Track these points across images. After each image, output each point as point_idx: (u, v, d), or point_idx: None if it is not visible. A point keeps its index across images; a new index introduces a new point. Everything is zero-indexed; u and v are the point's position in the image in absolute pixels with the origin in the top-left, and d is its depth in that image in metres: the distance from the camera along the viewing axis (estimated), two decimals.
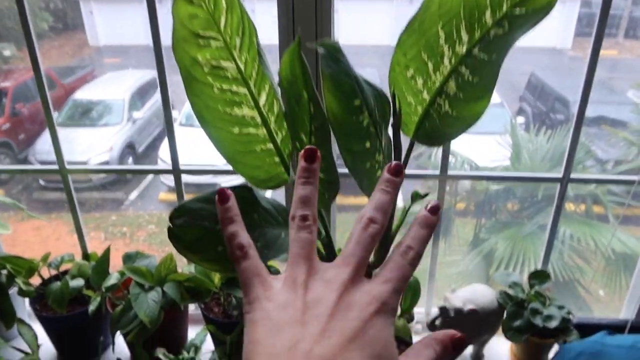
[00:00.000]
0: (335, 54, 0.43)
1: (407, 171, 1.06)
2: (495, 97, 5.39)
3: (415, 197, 0.68)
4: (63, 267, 1.28)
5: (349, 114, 0.45)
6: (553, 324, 1.09)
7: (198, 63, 0.59)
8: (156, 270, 1.17)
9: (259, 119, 0.62)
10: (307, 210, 0.35)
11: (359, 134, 0.47)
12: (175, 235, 0.58)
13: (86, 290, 1.22)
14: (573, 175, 1.18)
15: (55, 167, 1.24)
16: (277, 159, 0.65)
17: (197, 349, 1.14)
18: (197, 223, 0.59)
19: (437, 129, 0.58)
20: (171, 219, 0.58)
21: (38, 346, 1.11)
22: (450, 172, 1.19)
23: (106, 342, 1.30)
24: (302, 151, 0.37)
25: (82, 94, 6.02)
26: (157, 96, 5.76)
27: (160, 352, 1.05)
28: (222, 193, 0.39)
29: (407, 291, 1.22)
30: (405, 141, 0.59)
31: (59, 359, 1.28)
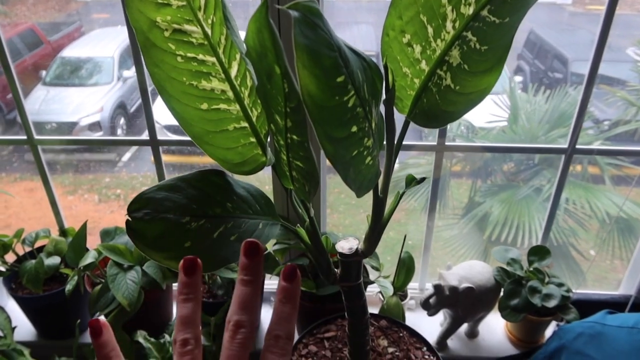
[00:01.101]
0: (312, 18, 0.35)
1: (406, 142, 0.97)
2: None
3: (410, 181, 0.60)
4: (39, 244, 1.21)
5: (329, 95, 0.37)
6: (552, 303, 1.04)
7: (157, 26, 0.50)
8: (135, 248, 1.10)
9: (230, 94, 0.54)
10: (188, 332, 0.33)
11: (342, 118, 0.39)
12: (134, 231, 0.51)
13: (63, 268, 1.16)
14: (578, 146, 1.11)
15: (24, 137, 1.15)
16: (252, 139, 0.57)
17: None
18: (161, 216, 0.52)
19: (437, 106, 0.50)
20: (129, 211, 0.51)
21: (12, 329, 1.05)
22: (447, 144, 1.11)
23: (87, 322, 1.25)
24: (181, 262, 0.35)
25: (70, 52, 5.80)
26: None
27: (140, 336, 1.00)
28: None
29: (400, 268, 1.17)
30: (399, 121, 0.51)
31: (38, 337, 1.22)
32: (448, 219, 3.93)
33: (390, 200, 0.64)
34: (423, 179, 0.59)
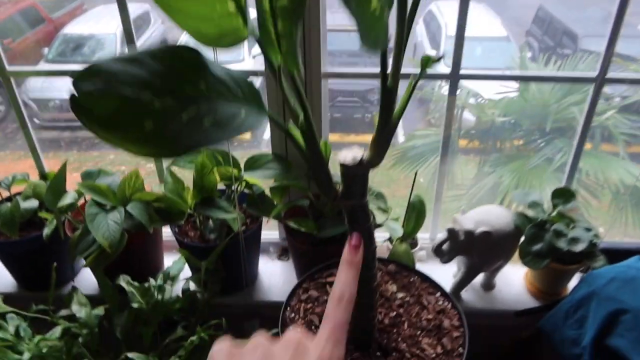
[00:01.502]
0: None
1: (413, 71, 0.86)
2: (501, 30, 5.05)
3: (426, 62, 0.49)
4: (18, 189, 1.11)
5: None
6: (579, 247, 0.94)
7: None
8: (119, 188, 1.00)
9: None
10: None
11: None
12: (81, 108, 0.40)
13: (42, 212, 1.07)
14: (608, 75, 0.99)
15: None
16: (231, 7, 0.46)
17: (169, 277, 0.99)
18: (115, 90, 0.41)
19: None
20: (75, 83, 0.40)
21: None
22: (447, 68, 1.00)
23: (73, 270, 1.16)
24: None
25: (73, 29, 5.71)
26: (151, 30, 5.46)
27: (123, 280, 0.91)
28: None
29: (410, 212, 1.06)
30: None
31: (18, 289, 1.14)
32: (456, 189, 3.81)
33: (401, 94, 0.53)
34: (441, 58, 0.48)
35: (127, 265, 1.00)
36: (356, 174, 0.58)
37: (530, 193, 1.05)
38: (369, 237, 0.65)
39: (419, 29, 4.91)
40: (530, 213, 1.04)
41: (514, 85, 3.78)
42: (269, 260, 1.20)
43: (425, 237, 1.22)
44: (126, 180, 1.01)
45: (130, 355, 0.84)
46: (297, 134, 0.53)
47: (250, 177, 1.03)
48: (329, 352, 0.36)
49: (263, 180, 1.05)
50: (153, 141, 0.41)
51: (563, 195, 1.02)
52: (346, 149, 0.58)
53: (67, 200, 0.99)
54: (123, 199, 1.00)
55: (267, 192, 1.06)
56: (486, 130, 4.00)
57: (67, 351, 0.85)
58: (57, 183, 1.04)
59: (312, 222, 0.98)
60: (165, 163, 1.06)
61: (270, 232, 1.25)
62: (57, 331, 0.85)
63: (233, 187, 1.00)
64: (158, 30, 5.78)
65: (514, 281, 1.14)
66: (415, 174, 1.03)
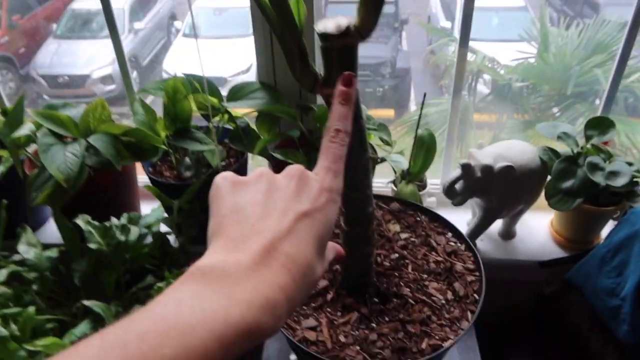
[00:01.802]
0: None
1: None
2: (519, 0, 4.79)
3: None
4: None
5: None
6: (620, 181, 0.79)
7: None
8: (81, 119, 0.87)
9: None
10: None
11: None
12: None
13: (1, 150, 0.94)
14: None
15: None
16: None
17: (144, 224, 0.86)
18: None
19: None
20: None
21: None
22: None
23: (38, 219, 1.04)
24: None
25: (81, 4, 5.61)
26: (159, 5, 5.31)
27: (82, 219, 0.78)
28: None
29: (418, 148, 0.92)
30: None
31: None
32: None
33: None
34: None
35: (95, 211, 0.87)
36: (342, 47, 0.43)
37: (560, 125, 0.90)
38: (360, 144, 0.51)
39: (432, 0, 4.68)
40: (560, 148, 0.89)
41: (532, 50, 3.57)
42: None
43: (436, 182, 1.08)
44: (90, 111, 0.88)
45: (87, 303, 0.72)
46: None
47: (234, 107, 0.89)
48: (329, 182, 0.36)
49: (249, 115, 0.91)
50: None
51: (599, 125, 0.86)
52: (328, 18, 0.44)
53: (22, 131, 0.86)
54: (86, 131, 0.87)
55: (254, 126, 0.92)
56: (503, 96, 3.80)
57: (16, 298, 0.73)
58: (15, 115, 0.91)
59: (301, 155, 0.84)
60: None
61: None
62: (2, 274, 0.73)
63: (211, 117, 0.86)
64: (167, 5, 5.65)
65: (538, 229, 0.99)
66: (424, 94, 0.88)
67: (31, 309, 0.68)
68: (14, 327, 0.67)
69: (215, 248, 0.31)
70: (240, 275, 0.29)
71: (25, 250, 0.76)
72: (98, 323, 0.73)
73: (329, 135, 0.38)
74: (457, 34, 0.92)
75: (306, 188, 0.34)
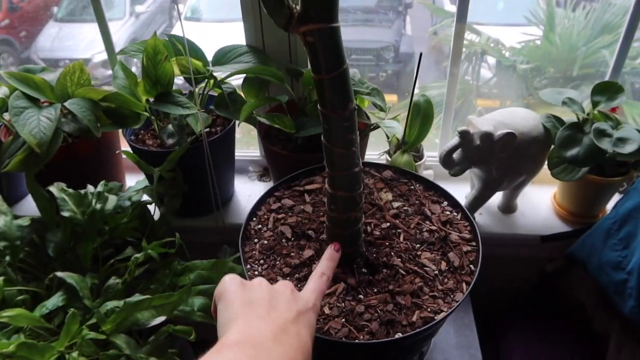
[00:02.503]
0: None
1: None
2: None
3: None
4: None
5: None
6: (628, 148, 0.74)
7: None
8: (58, 82, 0.83)
9: None
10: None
11: None
12: None
13: None
14: None
15: None
16: None
17: (125, 196, 0.82)
18: None
19: None
20: None
21: None
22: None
23: (20, 189, 1.00)
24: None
25: None
26: None
27: (56, 187, 0.74)
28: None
29: (413, 115, 0.87)
30: None
31: None
32: None
33: None
34: None
35: (75, 182, 0.82)
36: None
37: (565, 91, 0.85)
38: (343, 92, 0.46)
39: None
40: (565, 117, 0.84)
41: (538, 33, 3.48)
42: (248, 180, 1.03)
43: (433, 155, 1.03)
44: (67, 74, 0.83)
45: (60, 274, 0.68)
46: None
47: (220, 71, 0.84)
48: (314, 299, 0.48)
49: (235, 78, 0.86)
50: None
51: (607, 89, 0.81)
52: None
53: None
54: (63, 95, 0.83)
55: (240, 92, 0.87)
56: (507, 79, 3.73)
57: None
58: None
59: (289, 120, 0.79)
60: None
61: (250, 150, 1.07)
62: None
63: (194, 81, 0.81)
64: None
65: (540, 203, 0.94)
66: (421, 54, 0.83)
67: (0, 279, 0.64)
68: None
69: (238, 329, 0.40)
70: (268, 346, 0.38)
71: None
72: (72, 295, 0.69)
73: (317, 275, 0.51)
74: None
75: (299, 296, 0.47)
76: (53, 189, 0.73)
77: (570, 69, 3.60)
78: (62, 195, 0.72)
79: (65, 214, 0.71)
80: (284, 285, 0.47)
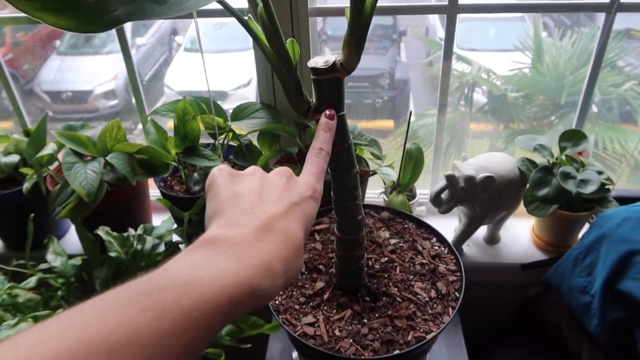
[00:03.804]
0: None
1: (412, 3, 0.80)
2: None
3: None
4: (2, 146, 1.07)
5: None
6: (589, 189, 0.87)
7: None
8: (99, 139, 0.96)
9: None
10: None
11: None
12: None
13: (24, 168, 1.03)
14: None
15: None
16: None
17: (156, 235, 0.94)
18: None
19: None
20: None
21: None
22: (460, 51, 0.92)
23: (57, 231, 1.12)
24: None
25: None
26: (160, 21, 5.42)
27: (102, 230, 0.86)
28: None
29: (406, 161, 1.00)
30: None
31: (5, 250, 1.11)
32: None
33: None
34: None
35: (111, 224, 0.95)
36: (330, 80, 0.52)
37: (537, 137, 0.98)
38: (349, 161, 0.59)
39: None
40: (537, 159, 0.97)
41: (527, 60, 3.65)
42: None
43: (425, 193, 1.16)
44: (107, 131, 0.96)
45: None
46: (256, 27, 0.47)
47: (238, 126, 0.98)
48: (313, 183, 0.43)
49: (251, 133, 0.99)
50: (73, 11, 0.36)
51: (572, 137, 0.95)
52: (317, 56, 0.53)
53: (46, 151, 0.95)
54: (103, 150, 0.96)
55: (256, 143, 1.01)
56: (499, 106, 3.88)
57: (44, 303, 0.81)
58: (37, 136, 1.00)
59: (299, 169, 0.92)
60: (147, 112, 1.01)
61: None
62: (32, 281, 0.81)
63: (217, 135, 0.95)
64: (168, 20, 5.76)
65: (520, 235, 1.07)
66: (410, 112, 0.97)
67: (59, 312, 0.76)
68: None
69: (219, 225, 0.36)
70: (247, 244, 0.34)
71: (53, 258, 0.84)
72: None
73: (314, 151, 0.47)
74: (455, 47, 0.99)
75: (295, 185, 0.42)
76: (101, 232, 0.85)
77: (559, 96, 3.76)
78: (108, 238, 0.84)
79: (112, 254, 0.83)
80: (279, 173, 0.43)
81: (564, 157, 0.94)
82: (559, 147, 0.96)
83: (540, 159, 0.98)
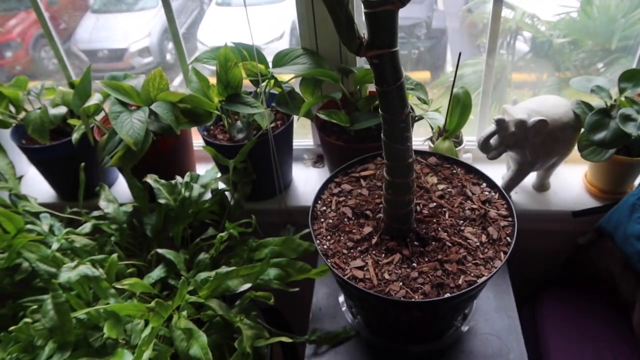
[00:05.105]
0: None
1: None
2: None
3: None
4: (48, 100, 1.09)
5: None
6: None
7: None
8: (143, 88, 0.96)
9: None
10: None
11: None
12: None
13: (71, 119, 1.05)
14: None
15: None
16: None
17: (201, 183, 0.95)
18: None
19: None
20: None
21: (18, 178, 0.96)
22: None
23: (107, 181, 1.15)
24: None
25: None
26: None
27: (150, 178, 0.88)
28: None
29: (453, 106, 0.96)
30: None
31: (58, 199, 1.15)
32: None
33: None
34: None
35: (157, 173, 0.96)
36: (384, 13, 0.49)
37: (594, 79, 0.92)
38: (401, 100, 0.57)
39: None
40: (594, 102, 0.92)
41: (575, 4, 3.43)
42: (304, 167, 1.15)
43: (472, 139, 1.12)
44: (150, 81, 0.96)
45: (160, 251, 0.82)
46: None
47: (279, 72, 0.96)
48: None
49: (293, 79, 0.97)
50: None
51: (633, 77, 0.89)
52: None
53: (92, 101, 0.96)
54: (147, 99, 0.96)
55: (298, 90, 0.99)
56: (543, 54, 3.70)
57: (100, 248, 0.84)
58: (82, 87, 1.01)
59: (344, 115, 0.91)
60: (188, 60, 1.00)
61: (305, 140, 1.19)
62: (87, 227, 0.84)
63: (260, 82, 0.93)
64: None
65: (571, 182, 1.03)
66: (459, 54, 0.92)
67: (114, 256, 0.79)
68: (100, 271, 0.78)
69: None
70: None
71: (105, 205, 0.87)
72: (170, 268, 0.84)
73: None
74: None
75: None
76: (150, 180, 0.87)
77: (609, 41, 3.55)
78: (157, 186, 0.86)
79: (161, 201, 0.85)
80: None
81: (623, 99, 0.89)
82: (618, 88, 0.90)
83: (596, 102, 0.92)
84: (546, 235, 1.03)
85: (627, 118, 0.84)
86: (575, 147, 0.93)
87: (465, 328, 0.83)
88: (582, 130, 0.91)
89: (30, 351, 0.69)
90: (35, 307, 0.73)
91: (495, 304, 0.88)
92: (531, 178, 1.03)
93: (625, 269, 0.90)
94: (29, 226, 0.85)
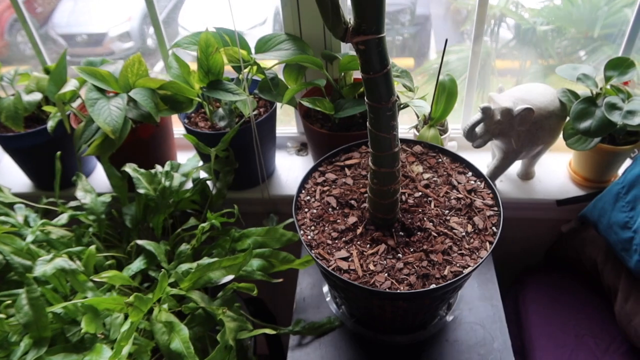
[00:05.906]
0: None
1: None
2: None
3: None
4: (23, 85, 1.05)
5: None
6: (637, 120, 0.82)
7: None
8: (121, 74, 0.93)
9: None
10: None
11: None
12: None
13: (46, 106, 1.01)
14: None
15: None
16: None
17: (183, 172, 0.93)
18: None
19: None
20: None
21: None
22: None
23: (87, 167, 1.12)
24: None
25: None
26: None
27: (129, 167, 0.85)
28: None
29: (439, 93, 0.95)
30: None
31: (34, 188, 1.12)
32: None
33: None
34: None
35: (137, 162, 0.93)
36: None
37: (580, 67, 0.92)
38: (387, 88, 0.55)
39: None
40: (579, 90, 0.91)
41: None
42: (287, 155, 1.13)
43: (457, 127, 1.11)
44: (128, 66, 0.93)
45: (140, 242, 0.80)
46: None
47: (262, 58, 0.94)
48: None
49: (276, 66, 0.95)
50: None
51: (619, 65, 0.88)
52: None
53: (68, 87, 0.92)
54: (126, 85, 0.93)
55: (281, 76, 0.96)
56: (526, 41, 3.71)
57: (77, 239, 0.82)
58: (58, 72, 0.97)
59: (328, 102, 0.89)
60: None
61: (288, 127, 1.17)
62: (63, 218, 0.81)
63: (242, 69, 0.91)
64: None
65: (556, 170, 1.03)
66: (446, 40, 0.91)
67: (92, 248, 0.76)
68: (78, 263, 0.75)
69: None
70: None
71: (83, 195, 0.84)
72: (150, 260, 0.81)
73: None
74: None
75: None
76: (128, 169, 0.84)
77: (592, 29, 3.56)
78: (136, 175, 0.83)
79: (141, 190, 0.83)
80: None
81: (609, 87, 0.88)
82: (604, 76, 0.89)
83: (582, 90, 0.92)
84: (530, 223, 1.04)
85: (612, 107, 0.84)
86: (560, 136, 0.93)
87: (450, 317, 0.83)
88: (568, 118, 0.91)
89: (5, 347, 0.67)
90: (9, 302, 0.71)
91: (479, 293, 0.87)
92: (516, 166, 1.02)
93: (607, 257, 0.90)
94: (2, 217, 0.82)
